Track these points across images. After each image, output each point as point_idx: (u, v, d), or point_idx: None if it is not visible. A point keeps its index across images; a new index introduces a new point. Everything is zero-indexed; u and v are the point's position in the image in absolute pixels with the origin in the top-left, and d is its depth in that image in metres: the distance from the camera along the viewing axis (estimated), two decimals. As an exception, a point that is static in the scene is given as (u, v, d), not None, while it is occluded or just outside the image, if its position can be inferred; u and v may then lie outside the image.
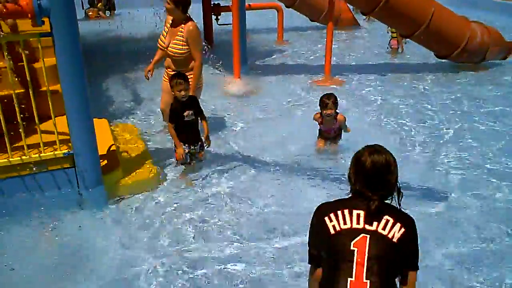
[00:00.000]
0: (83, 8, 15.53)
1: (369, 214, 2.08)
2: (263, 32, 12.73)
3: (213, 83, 7.62)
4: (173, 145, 4.81)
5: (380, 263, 2.04)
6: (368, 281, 2.02)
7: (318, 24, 12.81)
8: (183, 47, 5.08)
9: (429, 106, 7.07)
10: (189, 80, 4.75)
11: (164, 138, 5.66)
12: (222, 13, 10.60)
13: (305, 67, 9.40)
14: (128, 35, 11.63)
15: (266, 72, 8.91)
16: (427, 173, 4.95)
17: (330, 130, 5.21)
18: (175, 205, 4.33)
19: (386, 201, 2.14)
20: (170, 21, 5.19)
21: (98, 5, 15.82)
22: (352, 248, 2.05)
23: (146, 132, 5.96)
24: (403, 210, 2.17)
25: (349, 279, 2.04)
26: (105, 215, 4.14)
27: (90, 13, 15.51)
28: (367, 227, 2.06)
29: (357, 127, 5.65)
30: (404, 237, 2.06)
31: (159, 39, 5.29)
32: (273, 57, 10.31)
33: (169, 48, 5.14)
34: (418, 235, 2.15)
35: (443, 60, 9.10)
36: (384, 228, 2.06)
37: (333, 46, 8.27)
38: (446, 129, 6.20)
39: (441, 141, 5.81)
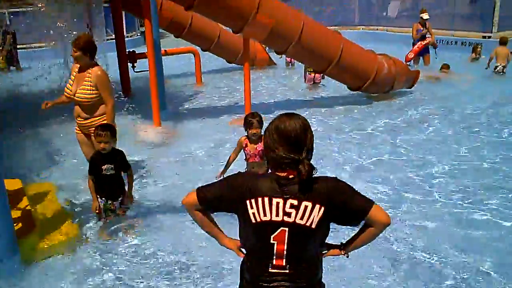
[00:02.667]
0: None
1: (287, 203, 2.09)
2: (182, 76, 12.76)
3: (133, 131, 7.45)
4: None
5: (300, 250, 2.15)
6: (288, 266, 2.15)
7: (235, 65, 13.06)
8: (92, 92, 4.97)
9: (347, 137, 7.36)
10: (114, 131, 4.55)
11: (85, 194, 5.37)
12: (138, 60, 10.51)
13: (225, 109, 9.48)
14: (35, 88, 11.10)
15: (187, 116, 8.86)
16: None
17: (255, 155, 4.82)
18: (95, 265, 4.06)
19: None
20: (76, 70, 5.08)
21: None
22: (272, 241, 2.13)
23: (63, 190, 5.63)
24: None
25: (270, 268, 2.16)
26: (23, 285, 3.79)
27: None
28: (286, 218, 2.10)
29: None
30: (326, 215, 2.10)
31: (65, 88, 5.15)
32: (193, 101, 10.31)
33: (76, 95, 5.00)
34: (346, 186, 2.17)
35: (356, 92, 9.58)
36: (302, 217, 2.10)
37: (251, 85, 8.43)
38: (360, 158, 6.46)
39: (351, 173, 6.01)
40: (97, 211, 4.52)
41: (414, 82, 10.05)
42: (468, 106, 8.93)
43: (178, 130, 7.81)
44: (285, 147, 2.13)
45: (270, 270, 2.17)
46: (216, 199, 2.24)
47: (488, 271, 3.83)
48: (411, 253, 4.12)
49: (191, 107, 9.80)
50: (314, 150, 2.18)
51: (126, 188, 4.66)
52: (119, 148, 4.62)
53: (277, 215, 2.11)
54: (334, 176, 2.25)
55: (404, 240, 4.31)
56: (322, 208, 2.10)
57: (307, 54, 8.55)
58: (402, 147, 6.83)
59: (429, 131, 7.53)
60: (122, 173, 4.61)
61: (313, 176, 2.13)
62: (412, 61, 12.51)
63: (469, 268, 3.87)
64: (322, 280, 2.29)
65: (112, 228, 4.60)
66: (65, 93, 5.13)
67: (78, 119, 5.13)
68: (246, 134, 4.76)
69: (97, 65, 5.10)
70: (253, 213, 2.13)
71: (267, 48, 13.28)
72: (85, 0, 9.14)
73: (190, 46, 12.28)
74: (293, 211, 2.10)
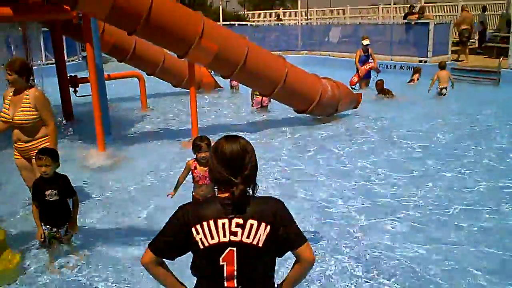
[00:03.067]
0: None
1: (233, 222, 2.11)
2: (128, 101, 12.53)
3: (76, 156, 7.20)
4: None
5: (250, 270, 2.15)
6: (240, 287, 2.14)
7: (181, 89, 12.99)
8: (31, 113, 4.82)
9: (296, 161, 7.44)
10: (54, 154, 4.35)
11: (27, 221, 5.10)
12: (81, 84, 10.23)
13: (172, 132, 9.38)
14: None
15: (132, 141, 8.68)
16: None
17: (205, 177, 4.58)
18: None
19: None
20: (11, 93, 4.92)
21: None
22: (221, 263, 2.13)
23: (2, 217, 5.33)
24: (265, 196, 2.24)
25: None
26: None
27: None
28: (232, 238, 2.11)
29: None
30: (272, 233, 2.13)
31: (1, 113, 4.93)
32: (138, 125, 10.13)
33: (15, 118, 4.81)
34: (289, 213, 2.21)
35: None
36: (248, 236, 2.11)
37: (198, 109, 8.39)
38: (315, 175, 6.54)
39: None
40: (41, 239, 4.29)
41: (358, 103, 10.37)
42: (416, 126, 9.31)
43: (123, 155, 7.62)
44: (223, 169, 2.15)
45: None
46: (167, 243, 2.20)
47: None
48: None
49: (137, 131, 9.62)
50: (258, 171, 2.20)
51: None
52: (63, 173, 4.44)
53: (224, 235, 2.12)
54: (274, 198, 2.27)
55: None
56: (268, 227, 2.13)
57: (253, 78, 8.65)
58: (345, 164, 7.01)
59: (372, 158, 7.75)
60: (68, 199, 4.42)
61: (258, 196, 2.18)
62: (357, 84, 12.98)
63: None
64: None
65: (57, 258, 4.39)
66: (2, 118, 4.92)
67: (18, 143, 4.93)
68: (195, 157, 4.68)
69: (33, 86, 4.99)
70: (200, 239, 2.12)
71: (212, 72, 13.33)
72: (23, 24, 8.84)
73: (135, 70, 12.11)
74: (239, 230, 2.12)
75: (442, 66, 12.30)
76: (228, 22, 23.30)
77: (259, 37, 21.74)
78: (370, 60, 13.10)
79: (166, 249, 2.21)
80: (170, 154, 7.82)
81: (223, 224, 2.12)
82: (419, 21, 16.92)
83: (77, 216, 4.51)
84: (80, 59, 19.54)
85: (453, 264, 4.30)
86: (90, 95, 7.58)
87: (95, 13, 7.13)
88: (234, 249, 2.12)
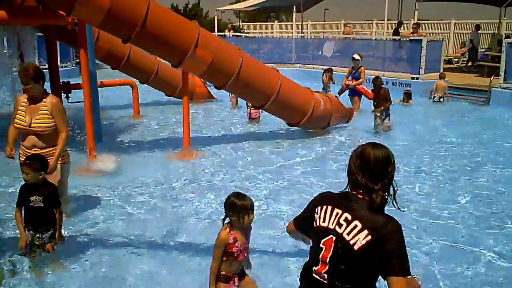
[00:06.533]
0: None
1: (343, 215, 2.29)
2: (120, 108, 12.47)
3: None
4: None
5: (340, 264, 2.27)
6: (326, 275, 2.31)
7: (174, 98, 12.98)
8: (50, 120, 4.82)
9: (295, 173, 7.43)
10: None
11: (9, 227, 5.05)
12: (74, 91, 10.16)
13: (164, 141, 9.34)
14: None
15: (123, 148, 8.63)
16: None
17: (244, 250, 3.51)
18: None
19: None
20: (25, 99, 4.86)
21: None
22: (321, 245, 2.35)
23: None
24: (389, 215, 2.29)
25: (314, 268, 2.38)
26: None
27: None
28: (337, 228, 2.30)
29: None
30: (368, 245, 2.18)
31: (16, 120, 4.87)
32: (130, 133, 10.08)
33: (33, 126, 4.79)
34: (401, 240, 2.20)
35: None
36: (349, 233, 2.25)
37: (190, 119, 8.37)
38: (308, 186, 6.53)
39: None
40: (23, 246, 4.19)
41: (350, 118, 10.41)
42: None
43: (113, 162, 7.56)
44: (365, 174, 2.30)
45: (313, 274, 2.37)
46: (303, 217, 2.62)
47: None
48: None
49: (128, 139, 9.56)
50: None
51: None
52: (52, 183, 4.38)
53: (332, 223, 2.33)
54: (397, 221, 2.27)
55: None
56: (369, 237, 2.19)
57: (246, 89, 8.66)
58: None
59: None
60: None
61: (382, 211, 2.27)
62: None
63: None
64: None
65: (39, 265, 4.30)
66: (18, 125, 4.86)
67: (34, 149, 4.84)
68: (229, 222, 3.40)
69: (49, 93, 5.01)
70: (317, 218, 2.41)
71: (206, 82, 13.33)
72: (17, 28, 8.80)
73: (128, 78, 12.09)
74: (344, 224, 2.28)
75: (441, 77, 13.89)
76: (223, 33, 23.38)
77: (253, 48, 21.84)
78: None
79: (300, 222, 2.66)
80: (158, 163, 7.77)
81: (337, 214, 2.32)
82: (412, 37, 17.08)
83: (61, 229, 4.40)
84: (74, 65, 19.47)
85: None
86: (82, 101, 7.54)
87: (90, 19, 7.11)
88: (334, 238, 2.29)
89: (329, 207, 2.35)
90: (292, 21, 28.12)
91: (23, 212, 4.24)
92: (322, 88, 13.00)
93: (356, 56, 12.47)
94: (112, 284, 4.17)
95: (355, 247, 2.19)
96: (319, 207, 2.41)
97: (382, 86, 10.25)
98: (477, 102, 13.86)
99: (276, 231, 5.19)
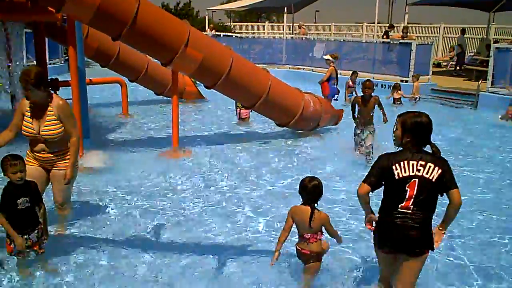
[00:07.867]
0: None
1: (418, 164, 3.36)
2: (109, 106, 12.40)
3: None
4: (6, 237, 4.13)
5: (423, 197, 3.35)
6: (412, 206, 3.37)
7: (164, 97, 12.93)
8: (58, 126, 4.63)
9: (280, 167, 7.45)
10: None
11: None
12: (62, 88, 10.07)
13: (152, 140, 9.30)
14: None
15: (111, 146, 8.58)
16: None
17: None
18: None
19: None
20: (28, 105, 4.64)
21: None
22: (406, 188, 3.37)
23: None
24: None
25: (399, 205, 3.40)
26: None
27: None
28: (417, 173, 3.35)
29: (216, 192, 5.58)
30: (440, 175, 3.34)
31: (24, 128, 4.64)
32: (118, 130, 10.02)
33: (42, 133, 4.61)
34: (451, 169, 3.40)
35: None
36: (427, 173, 3.35)
37: (180, 118, 8.34)
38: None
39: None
40: (23, 247, 4.08)
41: (339, 119, 10.44)
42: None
43: (101, 159, 7.51)
44: (412, 140, 3.42)
45: (400, 209, 3.38)
46: (377, 178, 3.47)
47: None
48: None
49: (116, 136, 9.52)
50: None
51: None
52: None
53: (412, 171, 3.36)
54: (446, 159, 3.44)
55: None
56: (440, 170, 3.35)
57: (236, 89, 8.64)
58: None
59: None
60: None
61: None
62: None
63: None
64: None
65: (30, 267, 4.28)
66: (26, 133, 4.66)
67: (42, 153, 4.71)
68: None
69: (54, 93, 4.75)
70: (398, 172, 3.38)
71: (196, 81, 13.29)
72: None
73: (117, 76, 12.01)
74: (422, 169, 3.36)
75: (417, 78, 14.62)
76: (205, 32, 23.32)
77: (244, 49, 21.82)
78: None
79: (375, 182, 3.46)
80: (148, 162, 7.73)
81: (412, 164, 3.37)
82: (402, 40, 17.19)
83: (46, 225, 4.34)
84: (62, 62, 19.32)
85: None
86: (70, 98, 7.48)
87: (80, 16, 7.04)
88: (417, 180, 3.34)
89: (405, 162, 3.36)
90: (283, 22, 28.15)
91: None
92: (349, 93, 13.45)
93: (326, 56, 12.80)
94: (101, 284, 4.14)
95: (433, 180, 3.32)
96: (396, 164, 3.37)
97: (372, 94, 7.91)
98: (465, 106, 13.99)
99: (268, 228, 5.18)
